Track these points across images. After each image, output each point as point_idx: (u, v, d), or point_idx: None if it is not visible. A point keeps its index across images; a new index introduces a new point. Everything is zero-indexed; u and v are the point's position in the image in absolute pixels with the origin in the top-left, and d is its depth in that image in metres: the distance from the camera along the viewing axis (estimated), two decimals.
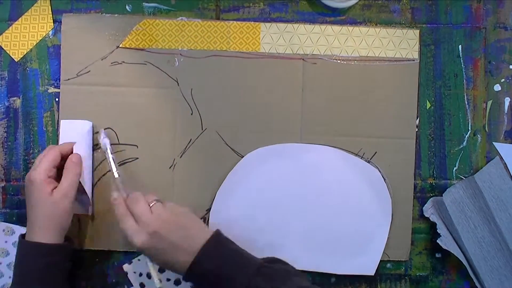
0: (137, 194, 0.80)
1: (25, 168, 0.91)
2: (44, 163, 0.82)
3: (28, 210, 0.82)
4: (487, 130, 0.94)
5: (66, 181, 0.82)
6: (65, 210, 0.81)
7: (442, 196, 0.91)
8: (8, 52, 0.90)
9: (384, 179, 0.91)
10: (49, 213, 0.80)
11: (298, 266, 0.90)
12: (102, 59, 0.90)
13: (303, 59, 0.91)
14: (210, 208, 0.91)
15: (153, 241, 0.76)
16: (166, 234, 0.76)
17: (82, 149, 0.89)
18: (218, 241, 0.78)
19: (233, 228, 0.90)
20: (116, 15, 0.91)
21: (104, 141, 0.86)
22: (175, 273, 0.79)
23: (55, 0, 0.91)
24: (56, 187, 0.81)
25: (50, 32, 0.91)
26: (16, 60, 0.91)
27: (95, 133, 0.89)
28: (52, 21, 0.91)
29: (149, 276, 0.89)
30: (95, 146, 0.89)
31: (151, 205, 0.79)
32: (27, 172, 0.89)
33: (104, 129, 0.89)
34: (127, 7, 0.91)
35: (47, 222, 0.80)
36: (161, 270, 0.89)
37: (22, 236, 0.82)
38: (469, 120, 0.94)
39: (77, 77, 0.90)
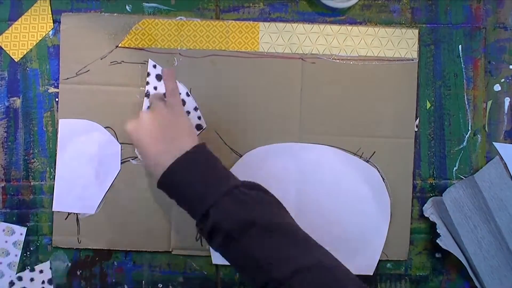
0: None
1: (25, 168, 0.91)
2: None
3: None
4: (487, 130, 0.94)
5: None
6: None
7: (442, 196, 0.91)
8: (8, 52, 0.91)
9: (383, 179, 0.91)
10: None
11: None
12: (101, 59, 0.90)
13: (302, 59, 0.92)
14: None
15: (138, 129, 0.78)
16: (149, 127, 0.77)
17: (82, 149, 0.90)
18: (198, 154, 0.76)
19: None
20: (115, 14, 0.91)
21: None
22: (154, 178, 0.77)
23: (55, 0, 0.91)
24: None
25: (50, 32, 0.91)
26: (16, 60, 0.91)
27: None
28: (52, 21, 0.91)
29: None
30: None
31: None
32: (27, 172, 0.91)
33: (105, 127, 0.90)
34: (127, 7, 0.92)
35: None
36: None
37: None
38: (469, 120, 0.93)
39: (76, 76, 0.90)
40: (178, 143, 0.76)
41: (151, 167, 0.78)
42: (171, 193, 0.77)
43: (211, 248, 0.90)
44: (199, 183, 0.73)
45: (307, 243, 0.72)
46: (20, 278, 0.90)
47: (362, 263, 0.84)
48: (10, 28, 0.91)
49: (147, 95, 0.90)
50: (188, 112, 0.91)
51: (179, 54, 0.91)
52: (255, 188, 0.76)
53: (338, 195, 0.91)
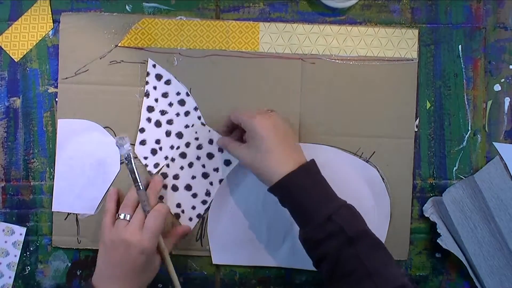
0: None
1: (25, 168, 0.91)
2: (152, 231, 0.80)
3: (107, 261, 0.81)
4: (487, 130, 0.94)
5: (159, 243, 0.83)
6: (157, 269, 0.84)
7: (442, 196, 0.91)
8: (8, 52, 0.91)
9: (383, 179, 0.91)
10: (140, 270, 0.81)
11: (297, 265, 0.91)
12: (100, 58, 0.90)
13: (301, 59, 0.91)
14: (209, 206, 0.91)
15: (269, 124, 0.81)
16: (280, 128, 0.81)
17: (81, 149, 0.90)
18: (315, 166, 0.81)
19: (232, 226, 0.91)
20: (115, 14, 0.91)
21: (126, 149, 0.83)
22: (261, 178, 0.81)
23: (55, 0, 0.91)
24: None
25: (50, 32, 0.91)
26: (16, 60, 0.91)
27: (114, 138, 0.89)
28: (52, 21, 0.91)
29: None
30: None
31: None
32: (27, 172, 0.91)
33: (104, 127, 0.90)
34: (127, 7, 0.92)
35: (135, 277, 0.81)
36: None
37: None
38: (469, 120, 0.93)
39: (75, 76, 0.90)
40: (299, 151, 0.82)
41: (265, 167, 0.80)
42: (287, 196, 0.79)
43: (211, 248, 0.91)
44: (319, 190, 0.79)
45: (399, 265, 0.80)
46: None
47: None
48: (10, 28, 0.91)
49: (147, 94, 0.90)
50: (188, 112, 0.90)
51: (179, 53, 0.91)
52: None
53: (338, 195, 0.90)
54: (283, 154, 0.79)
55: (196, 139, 0.91)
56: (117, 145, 0.82)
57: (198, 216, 0.91)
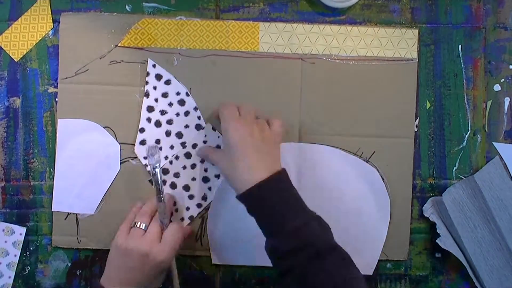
0: None
1: (25, 168, 0.91)
2: (171, 245, 0.81)
3: (120, 266, 0.81)
4: (487, 130, 0.94)
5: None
6: (163, 279, 0.85)
7: (441, 196, 0.91)
8: (8, 52, 0.91)
9: (383, 179, 0.91)
10: (152, 279, 0.81)
11: None
12: (100, 58, 0.90)
13: (301, 59, 0.91)
14: (203, 210, 0.91)
15: (244, 131, 0.80)
16: (255, 137, 0.80)
17: (81, 149, 0.90)
18: (287, 177, 0.80)
19: (231, 226, 0.91)
20: (115, 14, 0.91)
21: (156, 159, 0.83)
22: (233, 186, 0.80)
23: (54, 0, 0.91)
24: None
25: (50, 32, 0.91)
26: (16, 60, 0.91)
27: (146, 146, 0.90)
28: (51, 21, 0.91)
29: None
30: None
31: None
32: (27, 172, 0.90)
33: (104, 127, 0.90)
34: (126, 7, 0.92)
35: (147, 284, 0.81)
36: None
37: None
38: (469, 120, 0.93)
39: (75, 76, 0.90)
40: (271, 160, 0.80)
41: (236, 174, 0.79)
42: (255, 206, 0.78)
43: (211, 248, 0.91)
44: (289, 202, 0.77)
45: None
46: None
47: (362, 263, 0.83)
48: (10, 28, 0.91)
49: (147, 94, 0.90)
50: (188, 112, 0.90)
51: (179, 53, 0.91)
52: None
53: (338, 195, 0.90)
54: (255, 162, 0.78)
55: (205, 142, 0.91)
56: (148, 154, 0.83)
57: (190, 218, 0.91)
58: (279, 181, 0.78)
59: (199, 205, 0.91)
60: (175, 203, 0.91)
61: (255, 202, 0.78)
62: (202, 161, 0.91)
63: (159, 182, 0.82)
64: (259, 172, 0.77)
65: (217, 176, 0.91)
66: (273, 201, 0.76)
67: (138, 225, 0.82)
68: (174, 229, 0.82)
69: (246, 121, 0.81)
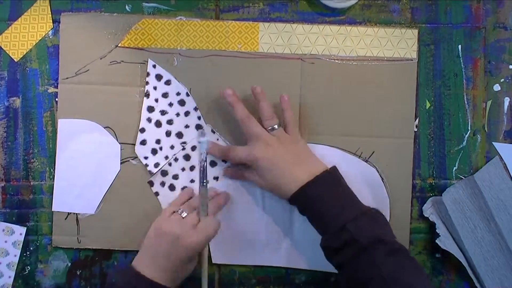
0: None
1: (25, 168, 0.91)
2: (206, 234, 0.82)
3: (154, 249, 0.82)
4: (486, 130, 0.94)
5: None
6: (192, 268, 0.86)
7: (441, 196, 0.91)
8: (7, 52, 0.91)
9: (382, 179, 0.91)
10: (182, 264, 0.82)
11: (297, 265, 0.91)
12: (101, 58, 0.90)
13: (301, 59, 0.91)
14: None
15: (268, 152, 0.82)
16: (281, 152, 0.83)
17: (82, 149, 0.90)
18: (334, 174, 0.83)
19: (232, 226, 0.91)
20: (115, 14, 0.91)
21: (202, 143, 0.86)
22: (280, 195, 0.83)
23: (54, 0, 0.91)
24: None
25: (50, 32, 0.91)
26: (16, 60, 0.91)
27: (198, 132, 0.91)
28: (51, 21, 0.91)
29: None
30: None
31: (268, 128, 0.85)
32: (27, 172, 0.91)
33: (104, 127, 0.90)
34: (126, 7, 0.92)
35: (176, 269, 0.82)
36: None
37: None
38: (469, 120, 0.93)
39: (76, 76, 0.90)
40: (313, 162, 0.84)
41: (282, 185, 0.82)
42: (305, 207, 0.82)
43: (211, 248, 0.91)
44: (336, 199, 0.80)
45: (422, 269, 0.80)
46: None
47: None
48: (9, 28, 0.91)
49: (147, 95, 0.90)
50: (188, 112, 0.91)
51: (179, 54, 0.91)
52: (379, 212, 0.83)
53: None
54: (293, 173, 0.81)
55: None
56: (198, 141, 0.88)
57: None
58: (323, 182, 0.81)
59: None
60: (163, 184, 0.92)
61: (303, 204, 0.81)
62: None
63: (205, 167, 0.85)
64: (302, 179, 0.80)
65: (216, 178, 0.91)
66: (320, 200, 0.79)
67: (179, 212, 0.83)
68: (210, 220, 0.83)
69: (268, 143, 0.83)
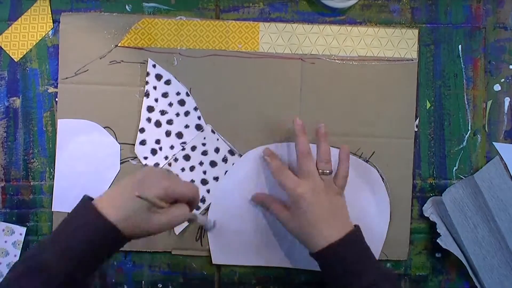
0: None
1: (25, 168, 0.91)
2: (179, 190, 0.73)
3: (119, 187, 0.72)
4: (487, 130, 0.94)
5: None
6: (157, 227, 0.73)
7: (441, 196, 0.91)
8: (7, 52, 0.91)
9: (383, 179, 0.91)
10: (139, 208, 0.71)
11: (297, 265, 0.91)
12: (100, 58, 0.90)
13: (301, 59, 0.91)
14: (208, 207, 0.91)
15: (313, 196, 0.80)
16: (323, 199, 0.81)
17: (81, 149, 0.90)
18: (360, 233, 0.81)
19: (231, 226, 0.91)
20: (115, 14, 0.91)
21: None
22: (305, 244, 0.82)
23: (54, 0, 0.91)
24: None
25: (50, 32, 0.91)
26: (16, 60, 0.91)
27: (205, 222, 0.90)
28: (51, 21, 0.91)
29: None
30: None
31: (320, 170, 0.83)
32: (27, 172, 0.91)
33: (104, 127, 0.90)
34: (126, 6, 0.92)
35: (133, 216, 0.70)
36: None
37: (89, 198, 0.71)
38: (469, 120, 0.93)
39: (75, 76, 0.90)
40: (343, 218, 0.82)
41: (311, 236, 0.80)
42: (329, 264, 0.80)
43: (211, 248, 0.91)
44: (359, 262, 0.78)
45: None
46: None
47: None
48: (9, 28, 0.91)
49: (147, 94, 0.90)
50: (188, 112, 0.91)
51: (179, 53, 0.91)
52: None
53: None
54: (327, 226, 0.80)
55: (203, 144, 0.91)
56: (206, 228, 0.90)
57: (189, 221, 0.91)
58: (350, 242, 0.79)
59: (197, 208, 0.91)
60: None
61: (328, 261, 0.79)
62: (200, 164, 0.91)
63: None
64: (331, 235, 0.78)
65: (216, 179, 0.91)
66: (345, 260, 0.78)
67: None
68: (193, 186, 0.77)
69: (314, 187, 0.82)
